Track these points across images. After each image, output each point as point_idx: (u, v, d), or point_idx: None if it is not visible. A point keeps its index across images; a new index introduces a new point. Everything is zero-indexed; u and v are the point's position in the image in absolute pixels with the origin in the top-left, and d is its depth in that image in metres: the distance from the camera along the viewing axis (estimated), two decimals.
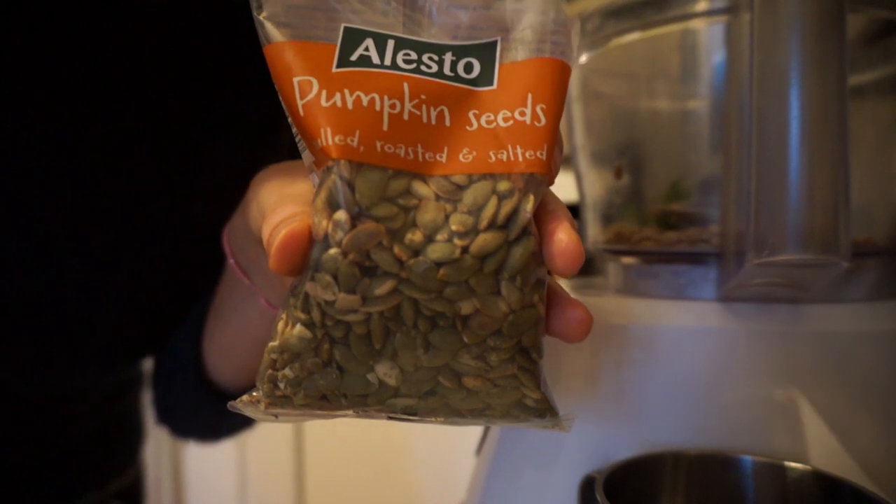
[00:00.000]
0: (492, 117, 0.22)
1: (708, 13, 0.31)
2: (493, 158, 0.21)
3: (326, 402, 0.23)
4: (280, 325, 0.22)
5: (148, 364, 0.53)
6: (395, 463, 1.50)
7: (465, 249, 0.20)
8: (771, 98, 0.25)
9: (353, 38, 0.22)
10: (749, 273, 0.27)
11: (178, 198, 0.42)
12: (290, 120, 0.22)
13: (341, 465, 1.55)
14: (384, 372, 0.22)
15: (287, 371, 0.22)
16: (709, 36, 0.32)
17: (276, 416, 0.24)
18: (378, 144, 0.21)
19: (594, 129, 0.39)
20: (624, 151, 0.37)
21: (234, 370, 0.42)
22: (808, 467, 0.25)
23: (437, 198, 0.21)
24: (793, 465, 0.26)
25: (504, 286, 0.21)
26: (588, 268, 0.46)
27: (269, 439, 1.58)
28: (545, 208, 0.22)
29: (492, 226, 0.20)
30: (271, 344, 0.22)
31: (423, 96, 0.22)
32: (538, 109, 0.22)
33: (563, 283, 0.45)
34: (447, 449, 1.41)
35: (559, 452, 0.31)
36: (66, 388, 0.46)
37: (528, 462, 0.32)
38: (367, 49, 0.22)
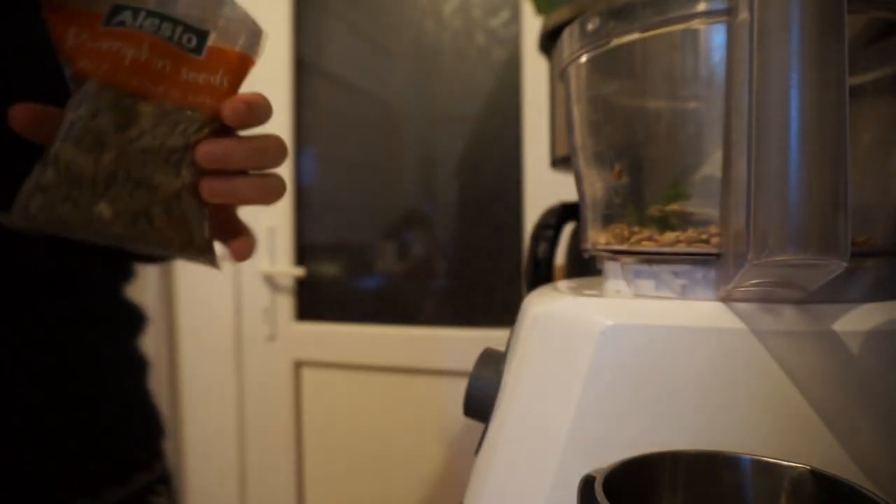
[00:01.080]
0: (196, 75, 0.36)
1: (708, 13, 0.31)
2: (192, 99, 0.36)
3: (66, 225, 0.34)
4: (37, 168, 0.33)
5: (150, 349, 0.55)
6: (395, 464, 1.50)
7: (162, 145, 0.35)
8: (771, 98, 0.25)
9: (117, 10, 0.35)
10: (749, 273, 0.27)
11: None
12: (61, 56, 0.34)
13: (341, 464, 1.55)
14: (103, 209, 0.34)
15: (39, 199, 0.33)
16: (709, 36, 0.32)
17: (31, 228, 0.33)
18: (119, 75, 0.34)
19: (594, 129, 0.39)
20: (624, 151, 0.37)
21: None
22: (807, 467, 0.25)
23: (153, 113, 0.35)
24: (792, 465, 0.26)
25: (181, 171, 0.35)
26: (588, 268, 0.46)
27: (269, 439, 1.58)
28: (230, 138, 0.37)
29: (180, 133, 0.35)
30: (28, 181, 0.33)
31: (156, 50, 0.35)
32: (223, 79, 0.36)
33: (566, 285, 0.45)
34: (447, 449, 1.41)
35: (559, 452, 0.31)
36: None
37: (528, 462, 0.32)
38: (124, 15, 0.35)
